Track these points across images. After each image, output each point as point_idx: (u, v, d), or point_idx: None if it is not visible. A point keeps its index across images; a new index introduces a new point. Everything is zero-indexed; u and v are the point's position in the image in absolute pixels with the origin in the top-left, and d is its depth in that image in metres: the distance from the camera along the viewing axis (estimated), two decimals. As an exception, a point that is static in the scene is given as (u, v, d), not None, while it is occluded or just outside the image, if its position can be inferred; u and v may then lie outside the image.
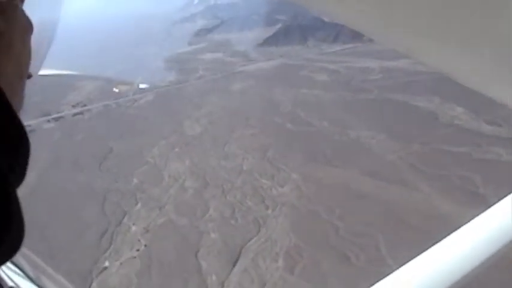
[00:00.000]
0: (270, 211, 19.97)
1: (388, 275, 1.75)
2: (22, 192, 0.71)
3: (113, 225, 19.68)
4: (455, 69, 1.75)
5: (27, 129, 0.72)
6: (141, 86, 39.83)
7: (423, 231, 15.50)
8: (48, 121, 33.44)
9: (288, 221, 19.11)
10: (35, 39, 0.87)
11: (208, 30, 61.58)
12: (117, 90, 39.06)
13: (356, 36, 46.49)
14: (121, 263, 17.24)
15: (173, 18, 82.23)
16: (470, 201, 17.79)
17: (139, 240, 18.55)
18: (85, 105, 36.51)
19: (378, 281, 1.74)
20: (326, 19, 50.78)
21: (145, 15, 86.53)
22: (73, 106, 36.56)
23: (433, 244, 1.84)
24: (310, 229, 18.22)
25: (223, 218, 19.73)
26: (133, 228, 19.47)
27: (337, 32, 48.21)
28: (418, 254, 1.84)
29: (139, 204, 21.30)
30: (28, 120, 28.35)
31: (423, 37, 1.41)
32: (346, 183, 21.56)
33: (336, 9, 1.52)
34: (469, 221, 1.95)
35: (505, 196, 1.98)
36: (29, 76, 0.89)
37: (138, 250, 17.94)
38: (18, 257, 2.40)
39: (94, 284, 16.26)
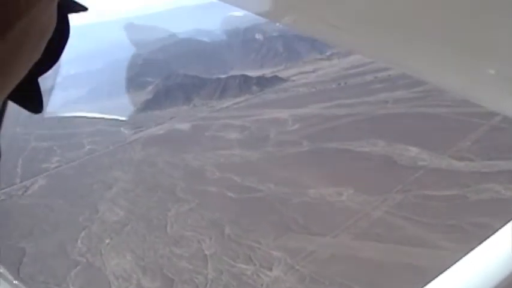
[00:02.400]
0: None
1: None
2: None
3: None
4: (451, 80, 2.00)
5: None
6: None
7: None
8: None
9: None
10: None
11: (75, 100, 54.81)
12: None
13: (243, 88, 44.28)
14: None
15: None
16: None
17: None
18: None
19: None
20: (205, 75, 48.06)
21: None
22: None
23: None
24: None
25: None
26: None
27: (222, 87, 45.20)
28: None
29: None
30: None
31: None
32: (348, 253, 17.90)
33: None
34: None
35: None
36: None
37: None
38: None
39: None
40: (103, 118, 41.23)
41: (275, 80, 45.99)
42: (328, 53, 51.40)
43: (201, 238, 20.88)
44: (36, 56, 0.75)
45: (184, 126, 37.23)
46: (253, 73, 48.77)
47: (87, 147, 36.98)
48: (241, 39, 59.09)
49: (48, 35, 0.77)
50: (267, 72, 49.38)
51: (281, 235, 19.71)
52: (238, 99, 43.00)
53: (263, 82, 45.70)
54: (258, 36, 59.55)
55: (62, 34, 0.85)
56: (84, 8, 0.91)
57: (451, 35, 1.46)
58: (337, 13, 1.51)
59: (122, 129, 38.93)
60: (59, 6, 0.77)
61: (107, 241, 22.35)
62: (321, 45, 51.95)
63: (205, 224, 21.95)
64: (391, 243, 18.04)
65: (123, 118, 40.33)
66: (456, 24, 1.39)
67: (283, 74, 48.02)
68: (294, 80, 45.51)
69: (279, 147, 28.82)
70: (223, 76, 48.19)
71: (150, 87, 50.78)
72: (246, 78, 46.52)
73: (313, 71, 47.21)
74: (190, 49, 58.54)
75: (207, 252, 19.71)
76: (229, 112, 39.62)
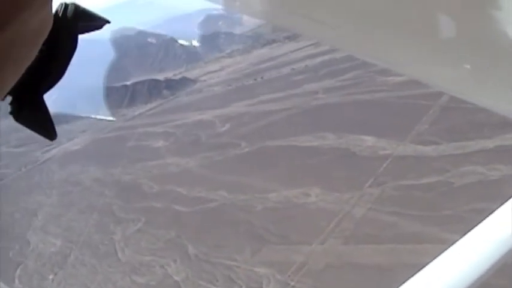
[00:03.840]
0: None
1: None
2: None
3: None
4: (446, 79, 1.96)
5: None
6: None
7: None
8: None
9: None
10: None
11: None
12: None
13: (153, 93, 41.19)
14: None
15: None
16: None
17: None
18: None
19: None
20: (107, 84, 43.84)
21: None
22: None
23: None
24: None
25: None
26: None
27: (130, 94, 41.53)
28: None
29: None
30: None
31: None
32: (344, 260, 15.61)
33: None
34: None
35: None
36: None
37: None
38: None
39: None
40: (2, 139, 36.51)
41: (185, 81, 42.99)
42: (227, 51, 49.37)
43: (164, 262, 17.69)
44: (27, 62, 0.72)
45: (101, 138, 33.18)
46: (157, 77, 45.50)
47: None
48: (134, 45, 55.32)
49: (42, 38, 0.74)
50: (170, 75, 46.14)
51: (258, 248, 16.89)
52: (150, 105, 39.72)
53: (173, 85, 42.60)
54: (151, 40, 56.21)
55: (71, 50, 0.82)
56: (105, 21, 0.88)
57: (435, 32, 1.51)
58: (321, 7, 1.45)
59: (29, 148, 33.95)
60: (74, 21, 0.79)
61: (51, 277, 19.05)
62: (218, 44, 50.47)
63: (162, 245, 18.76)
64: (388, 243, 15.77)
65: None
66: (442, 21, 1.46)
67: (189, 75, 44.95)
68: (204, 80, 42.62)
69: (216, 151, 25.68)
70: (128, 83, 44.31)
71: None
72: (154, 83, 43.34)
73: (221, 69, 44.63)
74: (85, 58, 53.84)
75: (177, 278, 16.62)
76: (144, 119, 35.92)
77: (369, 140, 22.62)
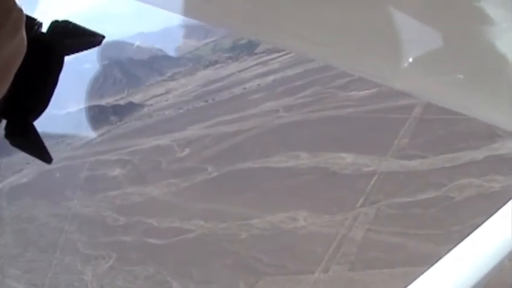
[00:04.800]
0: None
1: None
2: None
3: None
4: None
5: None
6: None
7: None
8: None
9: None
10: None
11: None
12: None
13: (99, 120, 38.74)
14: None
15: None
16: None
17: None
18: None
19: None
20: (49, 112, 41.15)
21: None
22: None
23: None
24: None
25: None
26: None
27: (77, 122, 39.10)
28: None
29: None
30: None
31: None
32: None
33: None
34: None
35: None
36: None
37: None
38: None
39: None
40: None
41: (131, 106, 41.07)
42: (169, 74, 47.97)
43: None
44: (2, 89, 0.72)
45: (49, 169, 30.42)
46: (100, 103, 42.95)
47: None
48: (70, 71, 52.59)
49: (15, 67, 0.72)
50: (111, 100, 44.04)
51: (254, 281, 15.26)
52: (98, 132, 37.13)
53: (119, 110, 40.65)
54: (88, 65, 53.99)
55: (58, 72, 0.82)
56: (102, 36, 0.85)
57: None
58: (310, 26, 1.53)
59: None
60: (63, 41, 0.78)
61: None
62: (158, 67, 48.92)
63: (142, 283, 16.86)
64: (400, 267, 14.40)
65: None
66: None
67: (134, 100, 43.00)
68: (151, 104, 40.74)
69: (181, 178, 23.73)
70: (72, 110, 41.58)
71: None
72: (99, 109, 41.06)
73: (167, 92, 43.14)
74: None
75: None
76: (94, 147, 33.42)
77: (348, 157, 21.38)
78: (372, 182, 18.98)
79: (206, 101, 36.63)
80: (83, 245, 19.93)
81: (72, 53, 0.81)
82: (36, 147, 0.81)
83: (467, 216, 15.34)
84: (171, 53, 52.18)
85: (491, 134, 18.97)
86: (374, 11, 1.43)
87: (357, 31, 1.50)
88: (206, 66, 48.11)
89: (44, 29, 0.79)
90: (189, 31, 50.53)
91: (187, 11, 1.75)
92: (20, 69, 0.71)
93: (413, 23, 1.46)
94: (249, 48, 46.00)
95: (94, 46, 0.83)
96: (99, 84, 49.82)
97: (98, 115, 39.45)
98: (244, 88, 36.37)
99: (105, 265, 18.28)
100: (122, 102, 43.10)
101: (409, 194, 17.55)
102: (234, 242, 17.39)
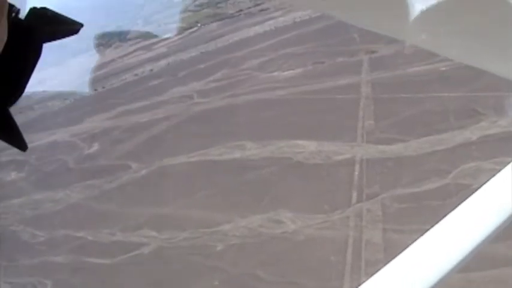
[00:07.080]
0: None
1: None
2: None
3: None
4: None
5: None
6: None
7: None
8: None
9: None
10: None
11: None
12: None
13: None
14: None
15: None
16: None
17: None
18: None
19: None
20: None
21: None
22: None
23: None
24: None
25: None
26: None
27: None
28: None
29: None
30: None
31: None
32: None
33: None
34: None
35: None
36: None
37: None
38: None
39: None
40: None
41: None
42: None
43: None
44: None
45: None
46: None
47: None
48: None
49: None
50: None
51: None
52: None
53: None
54: None
55: (35, 59, 0.81)
56: (80, 25, 0.84)
57: None
58: None
59: None
60: (41, 28, 0.78)
61: None
62: None
63: None
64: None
65: None
66: None
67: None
68: (28, 96, 33.90)
69: (101, 178, 18.32)
70: None
71: None
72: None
73: (40, 82, 36.68)
74: None
75: None
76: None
77: (308, 144, 17.85)
78: (357, 172, 15.99)
79: (96, 90, 31.74)
80: (5, 272, 14.76)
81: (50, 40, 0.78)
82: (13, 135, 0.78)
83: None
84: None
85: (470, 111, 17.01)
86: None
87: None
88: (75, 55, 42.99)
89: (22, 16, 0.74)
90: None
91: None
92: None
93: None
94: (120, 34, 41.90)
95: (72, 34, 0.81)
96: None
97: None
98: (136, 74, 31.53)
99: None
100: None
101: (412, 184, 14.62)
102: (210, 257, 13.28)
